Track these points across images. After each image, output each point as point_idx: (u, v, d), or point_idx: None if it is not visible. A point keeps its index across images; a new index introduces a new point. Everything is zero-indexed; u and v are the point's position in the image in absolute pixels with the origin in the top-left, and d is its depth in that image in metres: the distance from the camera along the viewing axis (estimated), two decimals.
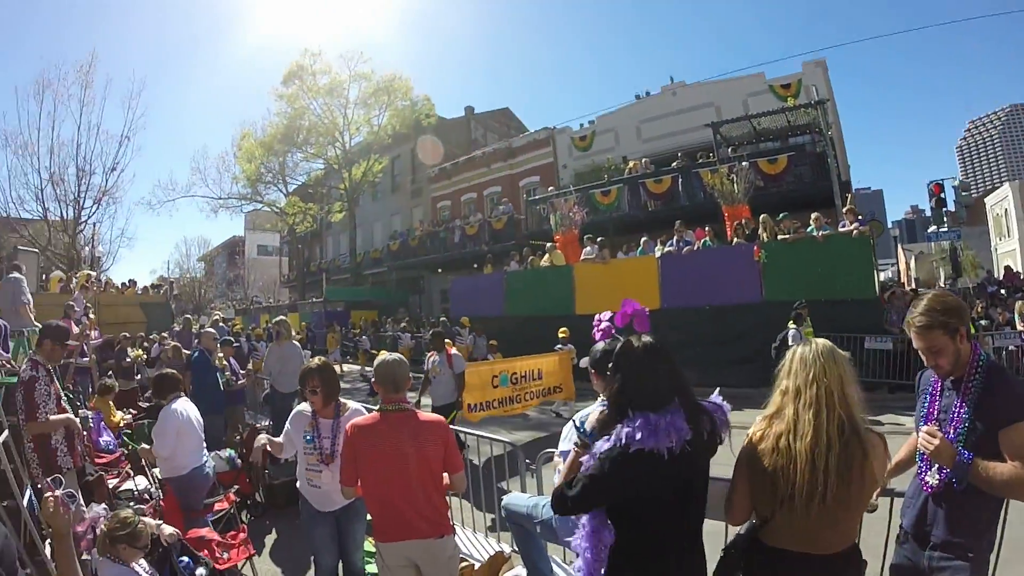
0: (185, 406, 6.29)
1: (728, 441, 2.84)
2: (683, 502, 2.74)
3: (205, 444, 6.53)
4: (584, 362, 4.10)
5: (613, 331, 4.08)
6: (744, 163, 19.28)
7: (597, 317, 3.88)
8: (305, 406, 4.81)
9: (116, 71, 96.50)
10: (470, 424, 9.84)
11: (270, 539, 7.25)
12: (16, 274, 9.15)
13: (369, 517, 4.37)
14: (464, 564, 5.26)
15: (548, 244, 21.64)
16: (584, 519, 2.90)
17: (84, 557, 4.55)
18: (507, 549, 5.59)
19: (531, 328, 18.54)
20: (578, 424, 3.06)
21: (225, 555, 5.58)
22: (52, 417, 5.67)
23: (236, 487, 7.53)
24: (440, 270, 35.53)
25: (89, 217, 31.75)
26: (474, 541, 6.09)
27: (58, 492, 2.66)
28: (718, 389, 2.96)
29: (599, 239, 19.83)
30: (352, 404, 4.87)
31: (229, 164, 40.69)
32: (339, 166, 39.08)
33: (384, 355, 4.24)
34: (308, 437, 4.66)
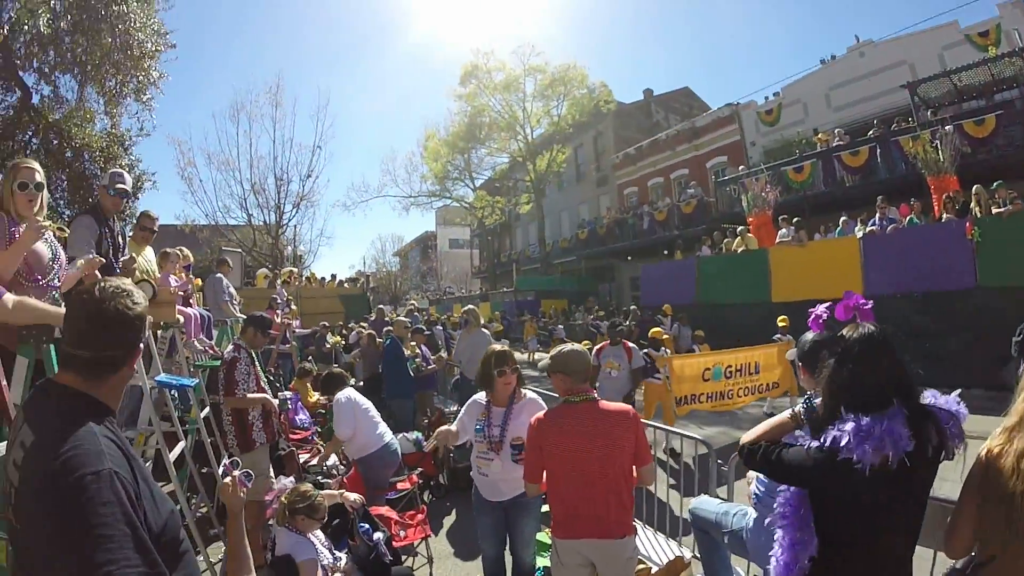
0: (350, 394, 6.66)
1: (962, 454, 2.35)
2: (892, 523, 2.31)
3: (391, 426, 6.88)
4: (791, 355, 3.66)
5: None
6: (948, 127, 16.79)
7: (814, 309, 3.42)
8: (481, 395, 4.67)
9: (302, 88, 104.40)
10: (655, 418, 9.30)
11: (448, 520, 7.34)
12: (218, 274, 9.88)
13: (546, 508, 4.14)
14: (641, 567, 4.94)
15: (740, 227, 20.42)
16: (779, 532, 2.60)
17: (270, 522, 4.89)
18: (688, 555, 5.22)
19: (725, 316, 17.62)
20: (808, 401, 2.81)
21: (402, 533, 5.72)
22: (250, 395, 6.01)
23: (420, 469, 7.71)
24: (629, 258, 34.55)
25: (289, 220, 35.21)
26: (653, 542, 5.68)
27: (236, 473, 2.68)
28: (958, 391, 2.46)
29: (795, 220, 18.50)
30: (529, 393, 4.68)
31: (417, 164, 42.66)
32: (523, 159, 39.49)
33: (564, 345, 4.03)
34: (479, 426, 4.53)
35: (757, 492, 3.71)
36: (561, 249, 41.42)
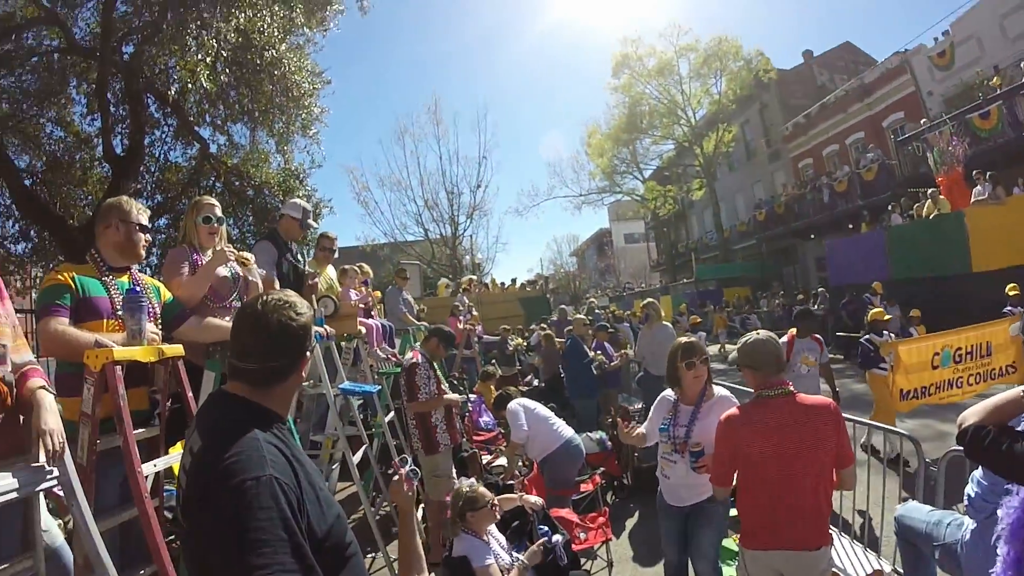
0: (522, 402, 6.77)
1: None
2: None
3: (574, 426, 6.92)
4: (1015, 329, 3.21)
5: None
6: None
7: None
8: (669, 392, 4.45)
9: (460, 103, 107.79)
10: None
11: (631, 522, 7.17)
12: (394, 287, 10.40)
13: (734, 513, 3.91)
14: None
15: (930, 189, 18.48)
16: (1003, 547, 2.30)
17: None
18: (887, 568, 4.78)
19: (922, 290, 16.03)
20: None
21: (583, 535, 5.64)
22: (432, 400, 6.25)
23: (603, 469, 7.62)
24: (812, 236, 31.96)
25: (465, 230, 37.26)
26: (850, 554, 5.17)
27: (404, 470, 2.74)
28: None
29: (988, 174, 16.39)
30: (720, 390, 4.37)
31: (583, 162, 42.95)
32: (689, 143, 38.33)
33: (750, 334, 3.76)
34: (664, 424, 4.31)
35: (974, 493, 3.20)
36: (739, 233, 39.60)
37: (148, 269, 3.67)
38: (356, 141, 75.70)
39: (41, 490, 2.43)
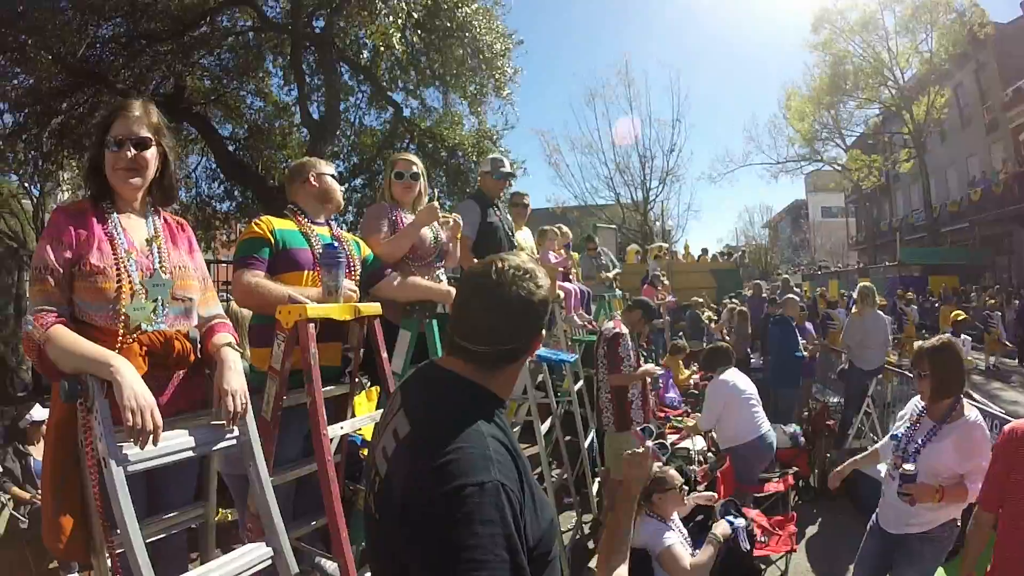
0: (735, 377, 6.26)
1: None
2: None
3: (771, 417, 6.43)
4: None
5: None
6: None
7: None
8: (917, 399, 3.80)
9: (650, 65, 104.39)
10: None
11: (811, 530, 6.50)
12: (585, 255, 10.04)
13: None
14: None
15: None
16: None
17: None
18: None
19: None
20: None
21: (764, 539, 5.17)
22: (632, 374, 5.99)
23: (795, 468, 6.94)
24: None
25: (656, 196, 36.00)
26: None
27: (649, 443, 2.43)
28: None
29: None
30: (972, 411, 3.58)
31: (781, 127, 39.75)
32: (897, 108, 34.33)
33: None
34: (898, 431, 3.74)
35: None
36: (950, 214, 34.62)
37: (344, 226, 3.71)
38: (545, 104, 76.16)
39: (218, 449, 2.34)
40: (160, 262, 2.34)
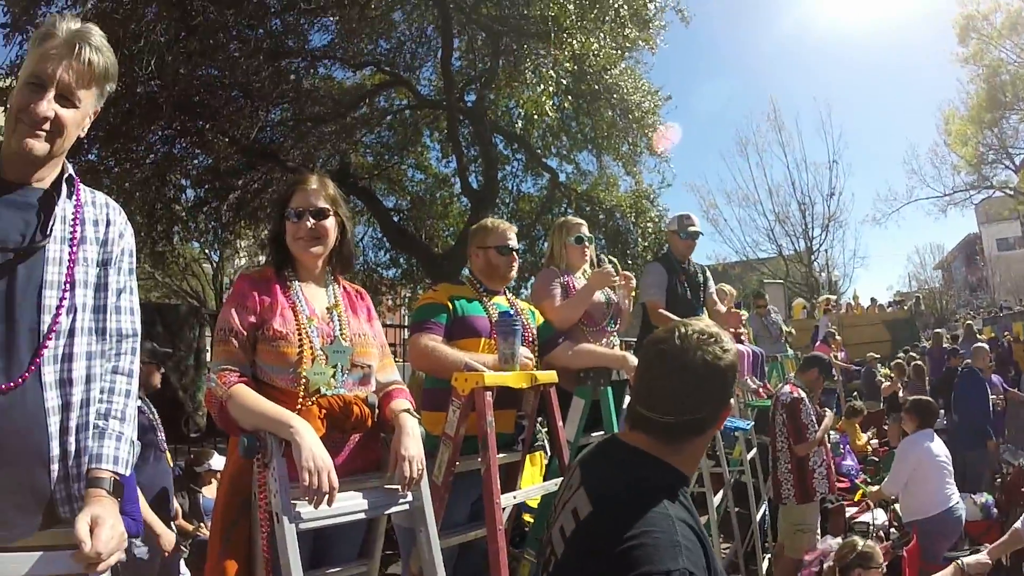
0: (929, 438, 5.70)
1: None
2: None
3: (959, 483, 5.83)
4: None
5: None
6: None
7: None
8: None
9: (800, 103, 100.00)
10: None
11: None
12: (754, 313, 9.60)
13: None
14: None
15: None
16: None
17: None
18: None
19: None
20: None
21: None
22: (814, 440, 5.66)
23: (986, 545, 6.15)
24: None
25: (820, 245, 33.93)
26: None
27: None
28: None
29: None
30: None
31: (943, 154, 35.58)
32: None
33: None
34: None
35: None
36: None
37: (507, 291, 3.76)
38: (697, 157, 74.95)
39: (390, 513, 2.38)
40: (340, 330, 2.39)
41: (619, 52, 11.79)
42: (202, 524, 5.62)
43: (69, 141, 1.82)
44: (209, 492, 5.90)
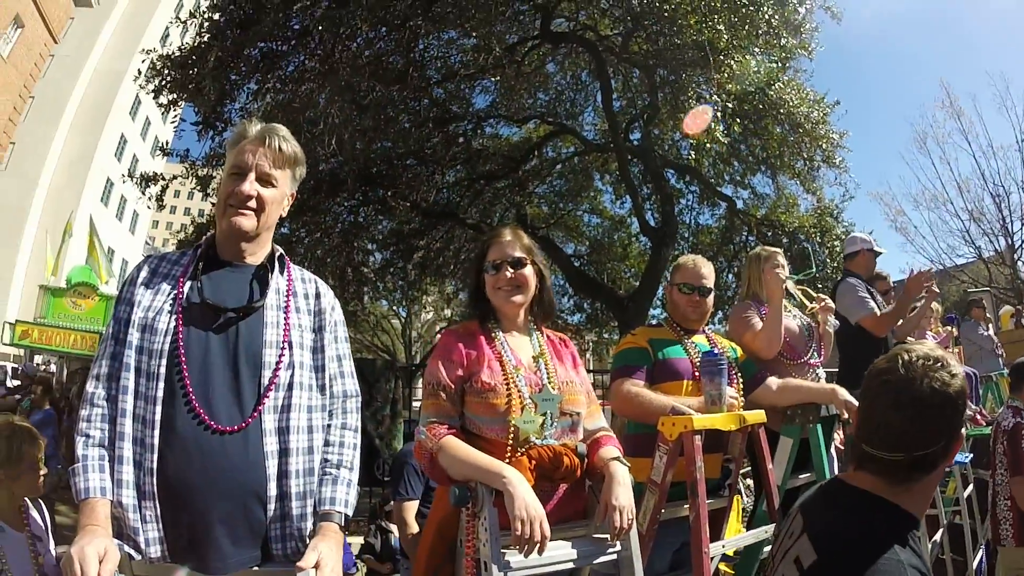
0: None
1: None
2: None
3: None
4: None
5: None
6: None
7: None
8: None
9: (975, 84, 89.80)
10: None
11: None
12: (969, 320, 8.77)
13: None
14: None
15: None
16: None
17: None
18: None
19: None
20: None
21: None
22: None
23: None
24: None
25: (1023, 241, 29.82)
26: None
27: None
28: None
29: None
30: None
31: None
32: None
33: None
34: None
35: None
36: None
37: (705, 329, 3.66)
38: (874, 162, 69.83)
39: (598, 564, 2.30)
40: (548, 378, 2.39)
41: (779, 64, 11.38)
42: (390, 563, 5.84)
43: (273, 218, 2.08)
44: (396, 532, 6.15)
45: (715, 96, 9.81)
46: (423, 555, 2.35)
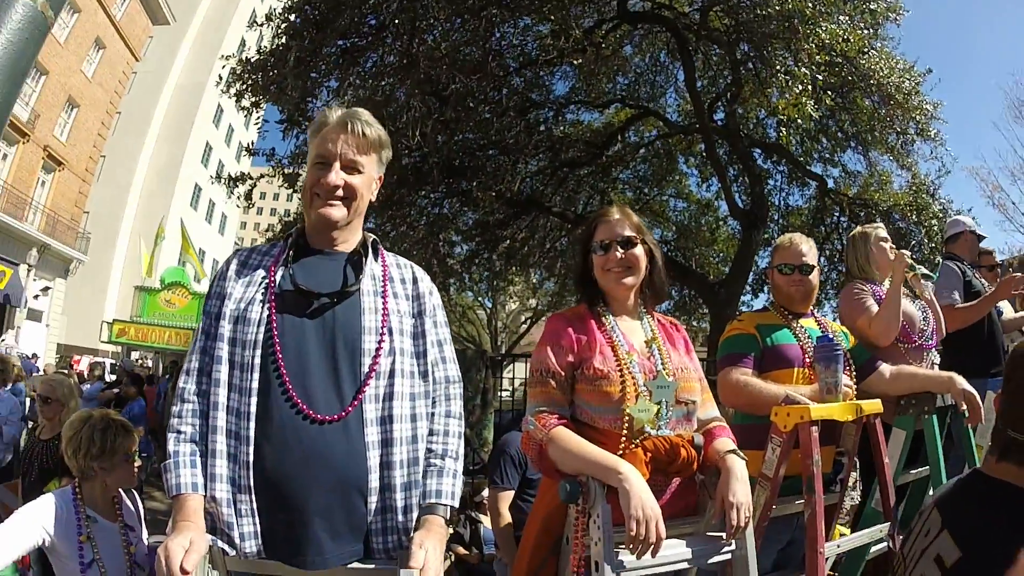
0: None
1: None
2: None
3: None
4: None
5: None
6: None
7: None
8: None
9: None
10: None
11: None
12: None
13: None
14: None
15: None
16: None
17: None
18: None
19: None
20: None
21: None
22: None
23: None
24: None
25: None
26: None
27: None
28: None
29: None
30: None
31: None
32: None
33: None
34: None
35: None
36: None
37: (813, 312, 3.49)
38: (970, 134, 65.86)
39: (712, 563, 2.18)
40: (662, 364, 2.27)
41: (870, 31, 10.78)
42: (479, 552, 5.90)
43: (363, 205, 2.04)
44: (487, 521, 6.04)
45: (803, 69, 9.40)
46: (526, 551, 2.28)
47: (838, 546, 2.73)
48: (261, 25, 10.93)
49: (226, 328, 1.88)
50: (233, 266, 2.00)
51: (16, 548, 2.43)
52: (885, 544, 2.86)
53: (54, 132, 28.06)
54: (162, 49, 39.05)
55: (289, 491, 1.75)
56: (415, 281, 2.12)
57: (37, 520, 2.53)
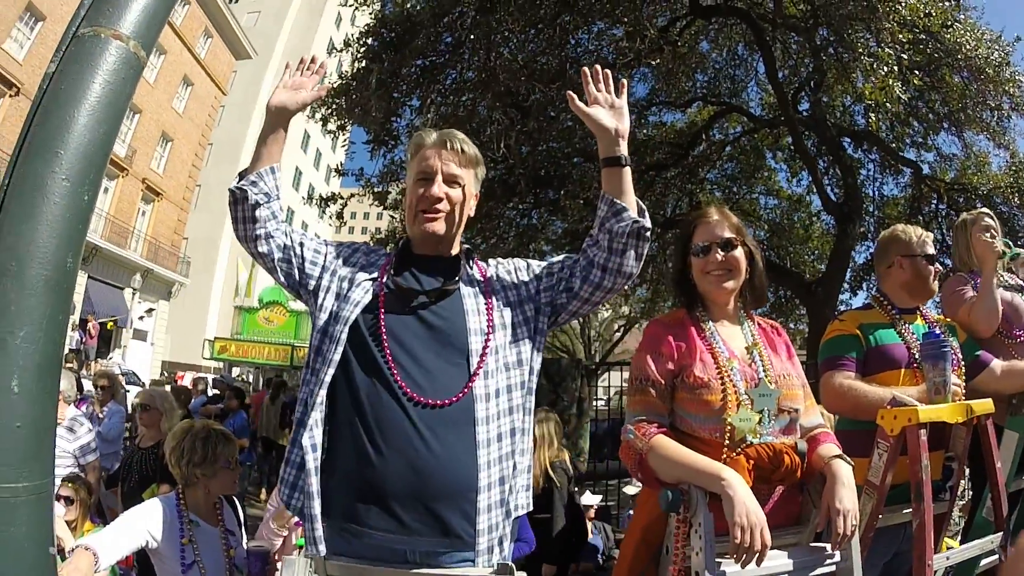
0: None
1: None
2: None
3: None
4: None
5: None
6: None
7: None
8: None
9: None
10: None
11: None
12: None
13: None
14: None
15: None
16: None
17: None
18: None
19: None
20: None
21: None
22: None
23: None
24: None
25: None
26: None
27: None
28: None
29: None
30: None
31: None
32: None
33: None
34: None
35: None
36: None
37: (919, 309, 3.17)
38: None
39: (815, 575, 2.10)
40: (764, 371, 2.22)
41: (952, 2, 10.17)
42: None
43: (462, 218, 2.11)
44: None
45: (887, 49, 8.98)
46: (625, 562, 2.25)
47: (947, 558, 2.57)
48: (340, 51, 11.24)
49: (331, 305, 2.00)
50: (343, 251, 2.18)
51: (123, 548, 2.60)
52: (997, 556, 2.68)
53: (151, 165, 30.13)
54: (247, 81, 40.98)
55: (393, 491, 1.79)
56: (508, 272, 2.19)
57: (144, 523, 2.69)
